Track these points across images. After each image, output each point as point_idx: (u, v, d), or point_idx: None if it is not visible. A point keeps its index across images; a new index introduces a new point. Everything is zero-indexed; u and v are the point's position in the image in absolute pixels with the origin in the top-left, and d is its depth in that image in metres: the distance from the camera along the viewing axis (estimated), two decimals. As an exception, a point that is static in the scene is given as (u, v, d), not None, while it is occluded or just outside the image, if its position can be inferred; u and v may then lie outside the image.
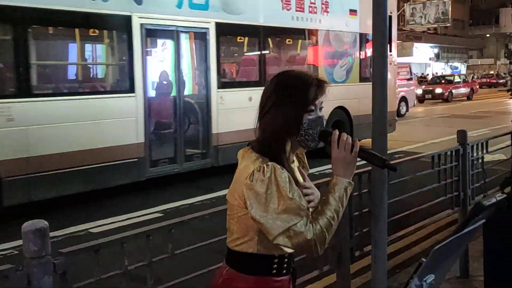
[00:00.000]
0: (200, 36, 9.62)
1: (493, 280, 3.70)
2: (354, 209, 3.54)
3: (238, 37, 10.77)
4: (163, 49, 10.59)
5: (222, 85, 9.78)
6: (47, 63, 8.40)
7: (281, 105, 1.83)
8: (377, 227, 3.08)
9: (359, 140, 1.89)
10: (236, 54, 11.28)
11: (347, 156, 1.82)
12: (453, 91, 33.40)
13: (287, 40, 11.83)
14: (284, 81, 1.89)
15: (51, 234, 1.99)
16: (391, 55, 12.51)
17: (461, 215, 4.67)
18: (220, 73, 9.81)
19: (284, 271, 1.90)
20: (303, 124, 1.82)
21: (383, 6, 3.02)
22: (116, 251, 2.27)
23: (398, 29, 45.82)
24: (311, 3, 11.50)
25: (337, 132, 1.84)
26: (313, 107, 1.84)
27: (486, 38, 67.43)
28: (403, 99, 22.32)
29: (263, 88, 1.91)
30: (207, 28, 9.45)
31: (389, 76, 8.49)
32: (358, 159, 1.85)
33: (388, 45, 11.17)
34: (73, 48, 8.61)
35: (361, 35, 12.77)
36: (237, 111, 9.46)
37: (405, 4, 44.31)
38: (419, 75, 47.52)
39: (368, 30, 12.17)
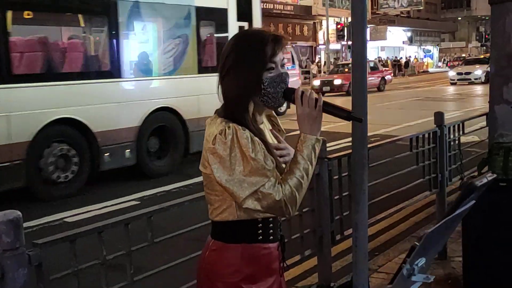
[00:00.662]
0: None
1: (471, 260, 3.74)
2: (334, 193, 3.52)
3: None
4: None
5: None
6: None
7: (239, 65, 1.78)
8: (358, 210, 3.05)
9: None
10: None
11: (312, 112, 1.77)
12: None
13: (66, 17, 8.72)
14: (241, 41, 1.83)
15: (24, 224, 1.91)
16: None
17: (439, 197, 4.69)
18: None
19: (271, 237, 1.86)
20: (264, 82, 1.77)
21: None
22: (94, 241, 2.20)
23: (372, 13, 46.06)
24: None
25: (300, 88, 1.80)
26: (272, 65, 1.79)
27: (458, 21, 68.06)
28: None
29: None
30: None
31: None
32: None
33: (247, 24, 9.98)
34: None
35: (198, 9, 9.45)
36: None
37: (378, -13, 44.47)
38: (393, 58, 47.86)
39: (212, 2, 9.98)
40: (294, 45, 31.77)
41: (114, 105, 8.30)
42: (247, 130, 1.72)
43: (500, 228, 3.51)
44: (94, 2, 8.39)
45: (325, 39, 35.96)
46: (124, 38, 8.52)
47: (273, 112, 1.98)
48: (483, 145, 6.40)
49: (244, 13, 10.23)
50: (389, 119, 15.63)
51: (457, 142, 5.01)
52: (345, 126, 6.14)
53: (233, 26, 9.91)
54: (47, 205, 7.08)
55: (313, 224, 3.32)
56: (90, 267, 2.20)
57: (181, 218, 3.14)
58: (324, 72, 34.47)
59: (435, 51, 63.45)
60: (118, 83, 8.48)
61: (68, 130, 7.78)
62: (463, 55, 59.38)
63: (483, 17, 66.78)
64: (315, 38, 42.38)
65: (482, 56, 35.77)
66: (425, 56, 59.31)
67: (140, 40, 9.10)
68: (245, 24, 10.02)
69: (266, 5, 36.06)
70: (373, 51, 48.18)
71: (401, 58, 49.15)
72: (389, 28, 47.41)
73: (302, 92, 1.78)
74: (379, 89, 28.82)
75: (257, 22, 10.40)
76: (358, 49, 3.00)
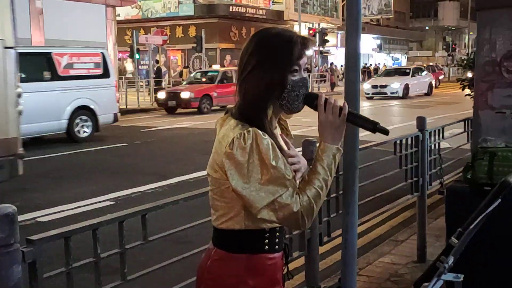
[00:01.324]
0: None
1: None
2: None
3: None
4: None
5: None
6: None
7: (263, 65, 1.68)
8: (349, 212, 3.04)
9: None
10: None
11: (335, 121, 1.69)
12: (217, 93, 20.45)
13: None
14: (266, 40, 1.72)
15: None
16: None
17: (420, 201, 4.73)
18: None
19: (277, 246, 1.77)
20: (287, 86, 1.68)
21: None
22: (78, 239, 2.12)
23: (343, 19, 46.40)
24: None
25: (323, 95, 1.72)
26: (297, 67, 1.70)
27: (425, 30, 69.34)
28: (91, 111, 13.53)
29: None
30: None
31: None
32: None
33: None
34: None
35: None
36: None
37: (349, -5, 44.90)
38: (361, 65, 48.37)
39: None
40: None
41: None
42: (267, 136, 1.63)
43: (484, 233, 3.54)
44: None
45: (297, 44, 36.05)
46: None
47: (286, 118, 1.89)
48: (457, 151, 6.53)
49: None
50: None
51: (437, 146, 5.06)
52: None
53: None
54: (17, 205, 6.87)
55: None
56: (83, 265, 2.11)
57: (157, 221, 3.09)
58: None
59: (403, 59, 64.40)
60: None
61: None
62: (430, 63, 60.51)
63: (450, 27, 68.24)
64: (286, 43, 42.50)
65: (404, 66, 32.69)
66: (393, 64, 60.12)
67: None
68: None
69: (238, 9, 36.14)
70: (343, 57, 48.57)
71: (371, 65, 49.73)
72: (359, 35, 47.86)
73: (326, 99, 1.71)
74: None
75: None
76: (352, 51, 3.00)
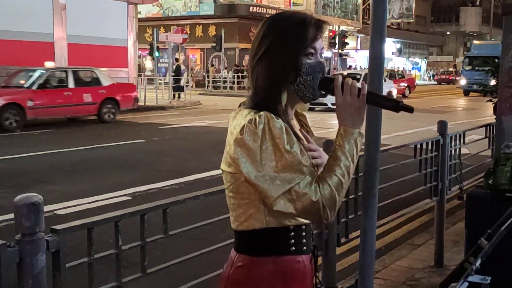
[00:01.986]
0: None
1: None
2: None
3: None
4: None
5: None
6: None
7: (276, 47, 1.57)
8: (368, 214, 3.03)
9: None
10: None
11: (354, 102, 1.55)
12: (33, 102, 14.50)
13: None
14: (279, 22, 1.62)
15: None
16: None
17: (439, 205, 4.70)
18: None
19: (304, 247, 1.62)
20: (302, 68, 1.57)
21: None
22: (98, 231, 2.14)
23: (363, 22, 46.33)
24: None
25: (340, 77, 1.59)
26: (312, 51, 1.59)
27: (446, 35, 68.79)
28: None
29: None
30: None
31: None
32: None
33: None
34: None
35: None
36: None
37: (370, -3, 44.72)
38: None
39: None
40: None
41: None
42: (280, 120, 1.51)
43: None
44: None
45: (316, 46, 36.01)
46: None
47: (302, 110, 1.77)
48: (476, 158, 6.46)
49: None
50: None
51: (457, 152, 5.02)
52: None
53: None
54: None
55: (318, 227, 3.29)
56: (104, 257, 2.13)
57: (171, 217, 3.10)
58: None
59: (422, 63, 63.99)
60: None
61: None
62: (450, 69, 60.00)
63: (471, 33, 67.62)
64: (305, 45, 42.51)
65: (356, 71, 29.63)
66: (413, 68, 59.75)
67: None
68: None
69: (258, 9, 36.17)
70: (362, 60, 48.43)
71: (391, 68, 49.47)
72: (379, 38, 47.59)
73: (342, 81, 1.58)
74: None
75: None
76: (376, 52, 2.99)
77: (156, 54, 25.45)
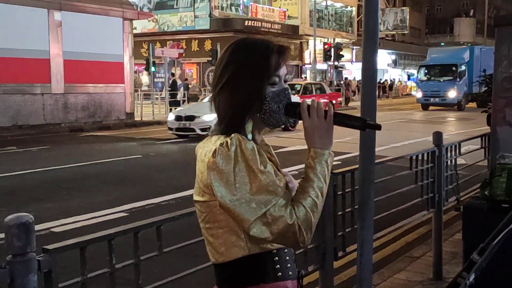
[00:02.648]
0: None
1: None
2: (337, 209, 3.48)
3: None
4: None
5: None
6: None
7: (239, 77, 1.55)
8: (364, 226, 3.02)
9: None
10: None
11: (322, 123, 1.55)
12: None
13: None
14: (241, 50, 1.60)
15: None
16: None
17: (436, 217, 4.68)
18: None
19: (290, 272, 1.58)
20: (266, 97, 1.55)
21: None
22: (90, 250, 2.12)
23: (358, 34, 46.52)
24: None
25: (306, 100, 1.58)
26: (276, 79, 1.58)
27: (441, 46, 69.11)
28: None
29: None
30: None
31: None
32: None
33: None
34: None
35: None
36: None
37: (365, 10, 44.93)
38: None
39: None
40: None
41: None
42: (251, 141, 1.51)
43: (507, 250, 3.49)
44: None
45: (311, 58, 36.19)
46: None
47: (265, 140, 1.72)
48: (472, 168, 6.45)
49: None
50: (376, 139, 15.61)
51: (453, 162, 5.02)
52: (341, 144, 6.04)
53: None
54: (32, 215, 6.91)
55: (316, 240, 3.27)
56: (97, 276, 2.11)
57: (172, 232, 3.08)
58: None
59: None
60: None
61: None
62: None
63: (466, 43, 67.93)
64: (301, 58, 42.68)
65: None
66: (408, 79, 59.94)
67: None
68: None
69: (253, 23, 36.33)
70: (357, 72, 48.64)
71: (385, 80, 49.61)
72: (374, 50, 47.80)
73: (308, 104, 1.58)
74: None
75: None
76: (369, 64, 3.00)
77: (152, 69, 25.52)
